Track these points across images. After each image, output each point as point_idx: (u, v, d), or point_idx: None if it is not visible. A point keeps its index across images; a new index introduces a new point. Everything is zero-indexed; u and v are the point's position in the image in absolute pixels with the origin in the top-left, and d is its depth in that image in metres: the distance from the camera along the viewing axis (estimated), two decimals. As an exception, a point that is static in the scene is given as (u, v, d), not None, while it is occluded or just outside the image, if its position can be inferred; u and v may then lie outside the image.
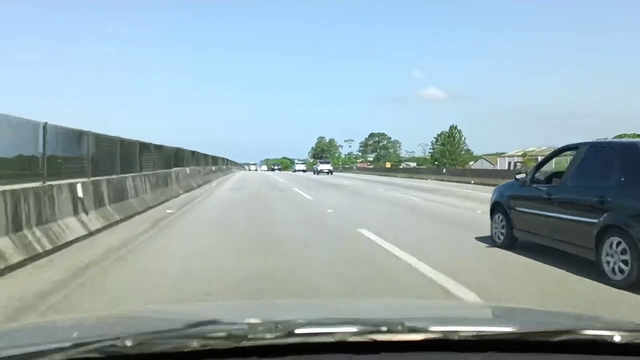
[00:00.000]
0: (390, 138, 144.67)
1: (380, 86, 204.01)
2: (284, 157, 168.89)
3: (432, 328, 1.16)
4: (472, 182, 29.43)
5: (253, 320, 1.18)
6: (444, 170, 40.41)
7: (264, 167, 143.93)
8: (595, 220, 5.55)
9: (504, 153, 75.93)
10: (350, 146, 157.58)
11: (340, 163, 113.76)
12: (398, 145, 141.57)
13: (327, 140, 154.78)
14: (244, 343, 1.06)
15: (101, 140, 11.03)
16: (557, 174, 7.14)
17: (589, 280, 5.51)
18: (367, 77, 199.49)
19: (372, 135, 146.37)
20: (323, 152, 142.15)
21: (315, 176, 45.89)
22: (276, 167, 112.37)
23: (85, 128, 10.01)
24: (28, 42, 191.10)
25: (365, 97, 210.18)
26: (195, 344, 1.04)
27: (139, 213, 11.60)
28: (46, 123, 7.93)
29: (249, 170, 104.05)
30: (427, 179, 36.44)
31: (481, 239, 8.20)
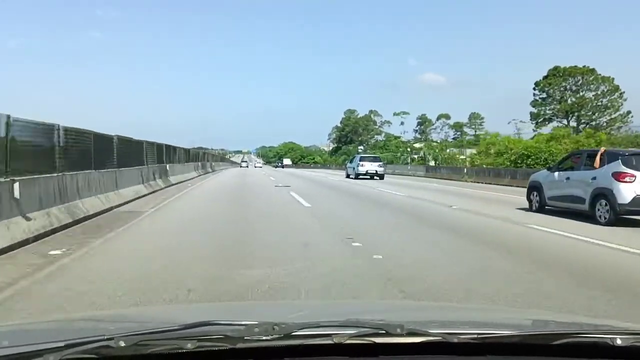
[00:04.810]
0: (611, 79, 57.03)
1: (379, 73, 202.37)
2: (291, 142, 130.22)
3: (432, 331, 1.14)
4: None
5: (250, 322, 1.16)
6: None
7: (259, 163, 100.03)
8: None
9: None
10: (402, 123, 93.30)
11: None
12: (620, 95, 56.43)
13: (361, 116, 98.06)
14: (240, 345, 1.05)
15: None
16: None
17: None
18: (366, 63, 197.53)
19: (556, 71, 58.69)
20: (355, 133, 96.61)
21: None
22: (279, 164, 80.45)
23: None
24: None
25: (365, 82, 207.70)
26: (190, 346, 1.03)
27: None
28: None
29: (241, 167, 71.49)
30: None
31: None
